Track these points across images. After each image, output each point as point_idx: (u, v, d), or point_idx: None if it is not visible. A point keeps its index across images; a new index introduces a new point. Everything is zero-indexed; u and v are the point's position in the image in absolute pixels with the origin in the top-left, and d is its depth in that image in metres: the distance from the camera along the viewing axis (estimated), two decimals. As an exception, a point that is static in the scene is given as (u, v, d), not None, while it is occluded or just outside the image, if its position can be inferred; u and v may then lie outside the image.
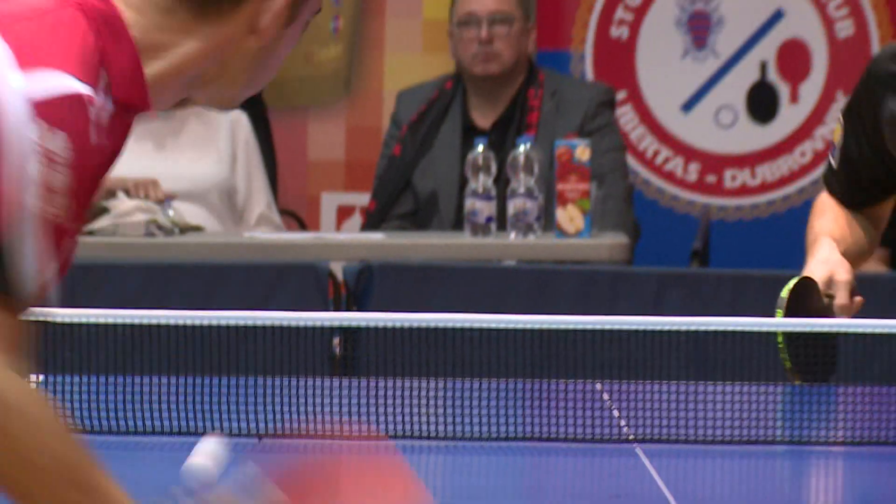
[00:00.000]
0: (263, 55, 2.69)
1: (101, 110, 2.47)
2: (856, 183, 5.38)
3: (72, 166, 2.39)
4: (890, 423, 5.44)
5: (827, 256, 5.25)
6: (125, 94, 2.51)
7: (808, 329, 5.31)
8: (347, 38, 10.82)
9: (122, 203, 8.68)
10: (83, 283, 7.29)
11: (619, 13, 10.48)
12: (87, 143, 2.45)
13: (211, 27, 2.53)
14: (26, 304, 2.38)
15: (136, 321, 5.62)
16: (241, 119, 9.04)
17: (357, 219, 9.91)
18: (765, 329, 5.44)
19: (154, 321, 5.68)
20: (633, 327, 5.97)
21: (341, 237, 9.34)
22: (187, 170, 8.97)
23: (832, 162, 5.42)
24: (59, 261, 2.51)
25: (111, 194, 8.68)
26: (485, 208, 8.10)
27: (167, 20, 2.50)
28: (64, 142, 2.40)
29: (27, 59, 2.33)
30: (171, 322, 5.71)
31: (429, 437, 5.01)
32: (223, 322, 5.58)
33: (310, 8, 2.72)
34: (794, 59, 10.50)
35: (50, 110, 2.37)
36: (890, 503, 4.89)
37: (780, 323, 5.26)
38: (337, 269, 7.78)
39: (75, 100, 2.38)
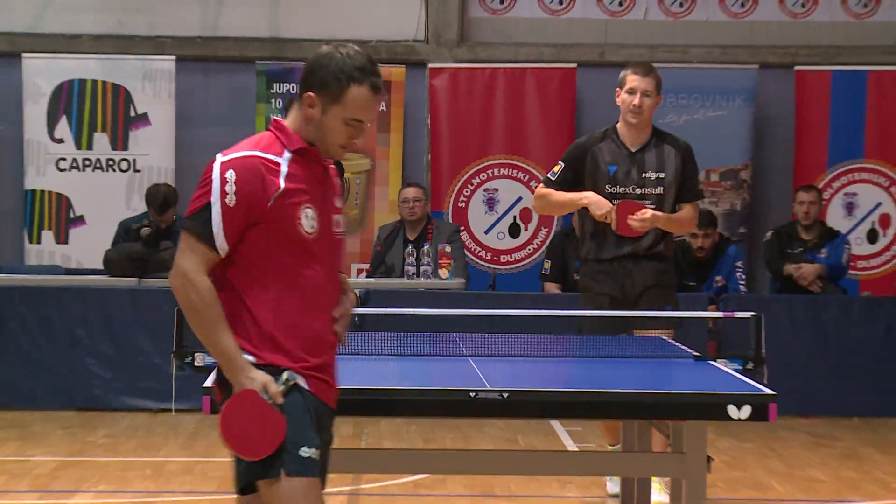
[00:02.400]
0: (319, 128, 4.86)
1: (276, 159, 4.80)
2: (563, 185, 8.70)
3: (237, 185, 4.73)
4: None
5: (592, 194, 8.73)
6: (295, 147, 4.84)
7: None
8: (362, 203, 14.41)
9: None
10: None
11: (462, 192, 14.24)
12: (247, 173, 4.75)
13: (299, 109, 4.87)
14: (215, 252, 4.78)
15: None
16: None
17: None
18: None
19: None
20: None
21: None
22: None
23: (551, 177, 8.84)
24: (229, 235, 4.79)
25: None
26: (411, 269, 12.63)
27: (294, 112, 4.91)
28: (233, 173, 4.73)
29: (231, 150, 4.79)
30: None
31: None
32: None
33: (336, 114, 4.84)
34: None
35: (229, 163, 4.76)
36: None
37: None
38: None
39: (245, 157, 4.77)
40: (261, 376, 4.75)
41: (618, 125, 8.93)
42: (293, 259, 4.83)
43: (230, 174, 4.71)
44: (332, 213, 4.94)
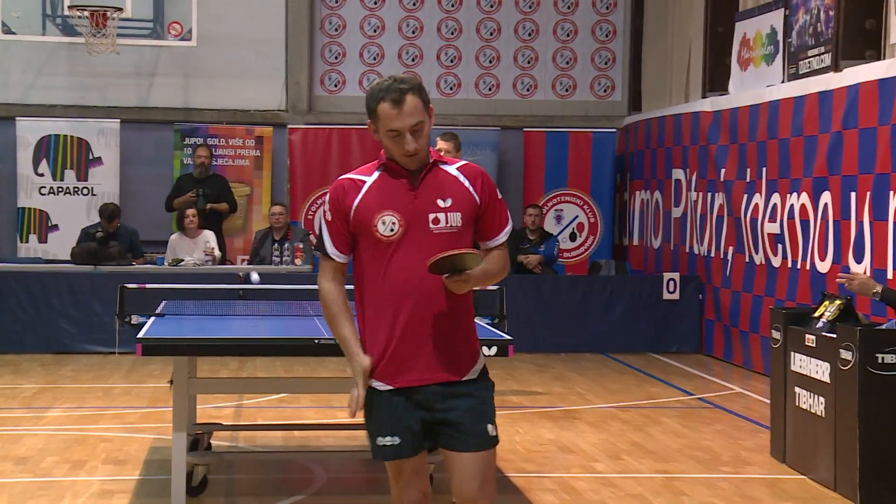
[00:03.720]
0: (384, 146, 3.98)
1: (363, 178, 3.96)
2: None
3: (330, 202, 3.94)
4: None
5: None
6: (378, 165, 4.00)
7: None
8: (244, 216, 14.19)
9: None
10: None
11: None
12: (336, 192, 3.95)
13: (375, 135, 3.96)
14: (332, 261, 3.95)
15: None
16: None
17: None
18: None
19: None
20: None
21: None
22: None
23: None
24: (338, 244, 3.94)
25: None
26: (276, 259, 13.23)
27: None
28: (329, 195, 3.96)
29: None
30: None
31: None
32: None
33: (381, 130, 3.95)
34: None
35: (331, 186, 4.02)
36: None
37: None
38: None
39: (339, 180, 3.98)
40: (358, 365, 3.91)
41: None
42: (377, 260, 3.91)
43: (328, 195, 4.02)
44: (427, 213, 3.92)
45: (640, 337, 12.45)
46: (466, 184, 3.98)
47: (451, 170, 3.98)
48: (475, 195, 3.98)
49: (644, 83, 14.88)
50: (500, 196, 4.04)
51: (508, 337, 5.93)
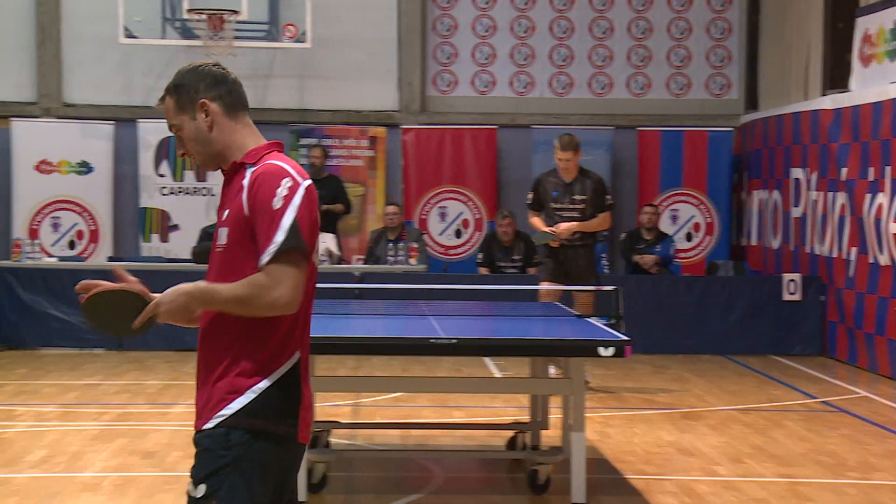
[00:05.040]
0: None
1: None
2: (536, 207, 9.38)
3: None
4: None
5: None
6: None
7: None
8: (359, 215, 14.17)
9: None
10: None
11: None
12: None
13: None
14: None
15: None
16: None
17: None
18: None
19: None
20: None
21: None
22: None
23: (528, 201, 9.50)
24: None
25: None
26: (391, 259, 12.91)
27: None
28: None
29: None
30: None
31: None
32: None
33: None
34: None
35: None
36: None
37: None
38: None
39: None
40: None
41: (558, 167, 9.50)
42: None
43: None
44: (217, 227, 3.36)
45: (760, 338, 12.23)
46: (244, 192, 3.28)
47: (248, 174, 3.30)
48: (245, 205, 3.25)
49: (761, 81, 14.64)
50: (276, 206, 3.19)
51: (626, 337, 5.91)
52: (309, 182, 3.25)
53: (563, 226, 9.22)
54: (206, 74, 3.35)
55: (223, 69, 3.41)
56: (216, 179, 14.21)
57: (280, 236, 3.17)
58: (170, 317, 3.23)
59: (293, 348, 3.21)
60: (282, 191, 3.19)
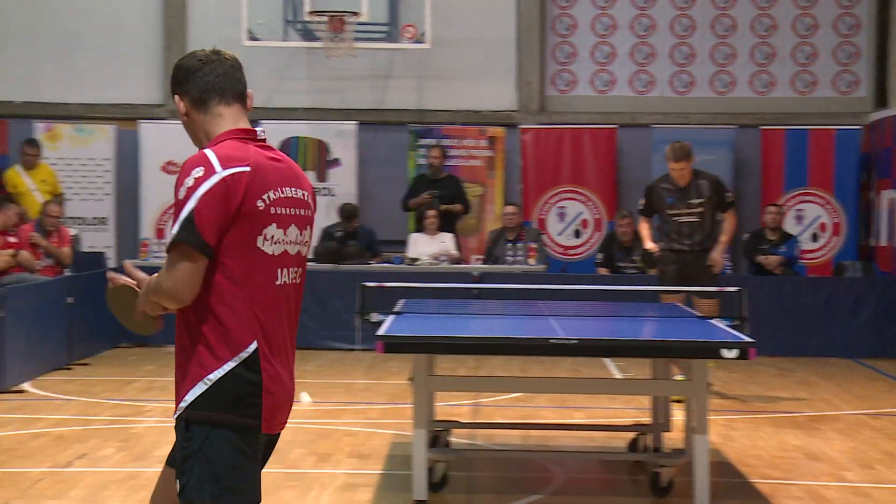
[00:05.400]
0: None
1: None
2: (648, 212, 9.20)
3: None
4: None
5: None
6: None
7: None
8: (477, 216, 14.23)
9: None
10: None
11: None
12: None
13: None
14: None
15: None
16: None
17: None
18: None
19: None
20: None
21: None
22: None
23: (640, 207, 9.36)
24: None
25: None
26: (510, 259, 12.91)
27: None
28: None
29: None
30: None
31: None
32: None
33: None
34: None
35: None
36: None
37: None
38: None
39: None
40: None
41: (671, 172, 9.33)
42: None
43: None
44: None
45: (892, 342, 11.91)
46: None
47: None
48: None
49: (891, 78, 14.30)
50: (180, 196, 3.18)
51: (750, 339, 5.78)
52: (235, 171, 3.13)
53: (716, 258, 9.19)
54: (178, 69, 3.32)
55: (199, 58, 3.32)
56: (336, 180, 14.36)
57: (175, 228, 3.15)
58: (149, 309, 3.26)
59: (249, 337, 3.16)
60: (188, 181, 3.15)
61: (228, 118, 3.28)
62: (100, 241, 14.19)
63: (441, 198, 13.33)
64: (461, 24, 14.62)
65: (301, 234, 3.25)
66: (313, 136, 14.43)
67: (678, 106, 14.79)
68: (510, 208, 13.29)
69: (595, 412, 8.90)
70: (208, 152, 3.19)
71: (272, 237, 3.16)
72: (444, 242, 12.98)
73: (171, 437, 7.48)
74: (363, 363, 11.36)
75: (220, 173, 3.13)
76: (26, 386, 9.73)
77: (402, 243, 13.27)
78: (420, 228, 13.19)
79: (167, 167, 14.20)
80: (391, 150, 14.70)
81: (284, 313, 3.22)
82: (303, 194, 3.27)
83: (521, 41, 14.79)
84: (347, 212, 13.17)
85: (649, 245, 9.13)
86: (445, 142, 14.36)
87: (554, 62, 14.93)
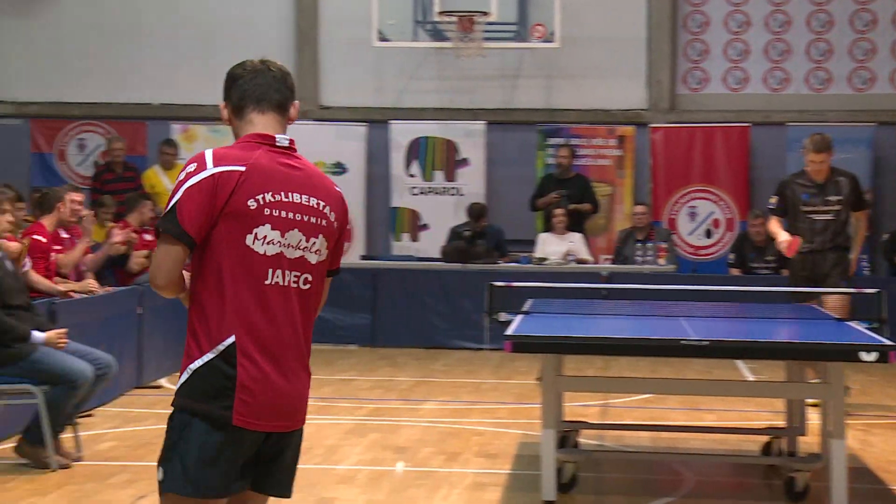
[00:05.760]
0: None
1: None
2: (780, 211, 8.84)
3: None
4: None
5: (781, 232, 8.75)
6: None
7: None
8: (606, 215, 14.19)
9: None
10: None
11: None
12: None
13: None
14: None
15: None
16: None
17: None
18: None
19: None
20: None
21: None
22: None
23: (772, 205, 8.99)
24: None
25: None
26: (639, 259, 12.76)
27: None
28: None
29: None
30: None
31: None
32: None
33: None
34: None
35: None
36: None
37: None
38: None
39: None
40: None
41: (806, 168, 8.97)
42: None
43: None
44: None
45: None
46: None
47: None
48: None
49: None
50: (173, 189, 3.31)
51: (890, 342, 5.63)
52: (226, 169, 3.22)
53: (853, 259, 9.03)
54: (226, 77, 3.43)
55: (245, 67, 3.43)
56: (464, 179, 14.42)
57: (161, 218, 3.30)
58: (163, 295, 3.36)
59: (228, 330, 3.22)
60: (181, 175, 3.27)
61: (258, 125, 3.36)
62: (233, 240, 14.41)
63: (569, 197, 13.30)
64: (590, 23, 14.53)
65: (309, 241, 3.29)
66: (442, 136, 14.50)
67: (814, 103, 14.47)
68: (640, 208, 13.22)
69: (727, 415, 8.77)
70: (207, 151, 3.31)
71: (265, 237, 3.23)
72: (573, 242, 12.96)
73: (304, 435, 7.57)
74: (491, 362, 11.38)
75: (210, 170, 3.23)
76: (163, 381, 9.94)
77: (530, 243, 13.28)
78: (548, 228, 13.20)
79: (298, 167, 14.39)
80: (519, 150, 14.69)
81: (280, 314, 3.26)
82: (316, 202, 3.31)
83: (651, 39, 14.64)
84: (476, 211, 13.23)
85: (784, 237, 8.82)
86: (574, 141, 14.30)
87: (685, 60, 14.74)
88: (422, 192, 14.49)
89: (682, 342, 5.76)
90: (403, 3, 14.29)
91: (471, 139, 14.49)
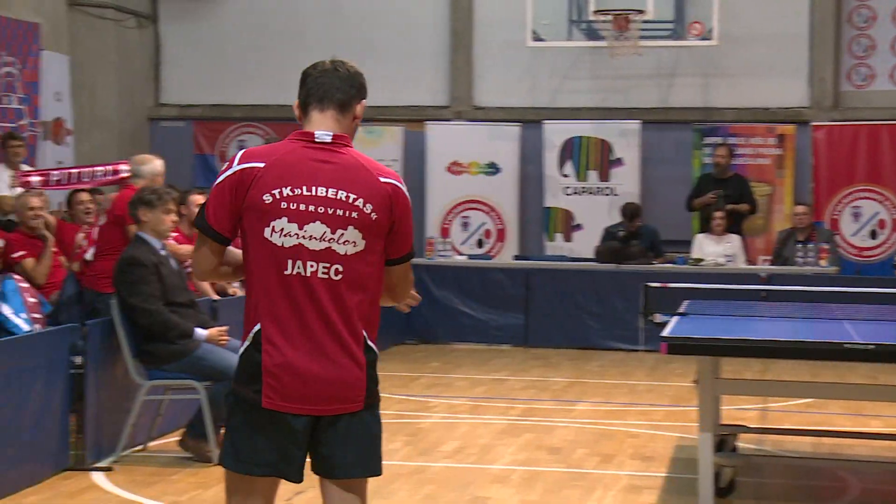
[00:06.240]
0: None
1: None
2: None
3: None
4: None
5: None
6: None
7: None
8: (765, 215, 13.81)
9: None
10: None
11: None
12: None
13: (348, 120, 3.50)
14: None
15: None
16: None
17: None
18: None
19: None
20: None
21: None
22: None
23: None
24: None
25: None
26: (800, 260, 12.64)
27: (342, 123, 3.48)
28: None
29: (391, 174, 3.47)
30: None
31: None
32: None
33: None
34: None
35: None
36: None
37: None
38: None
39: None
40: None
41: None
42: None
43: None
44: None
45: None
46: None
47: None
48: None
49: None
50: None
51: None
52: (248, 166, 3.38)
53: None
54: (300, 77, 3.57)
55: (316, 67, 3.56)
56: (618, 179, 14.32)
57: (196, 215, 3.54)
58: None
59: (256, 319, 3.41)
60: (219, 174, 3.50)
61: (314, 123, 3.48)
62: (388, 239, 14.59)
63: (727, 197, 13.08)
64: (750, 20, 14.29)
65: (335, 233, 3.36)
66: (596, 135, 14.41)
67: None
68: (801, 208, 12.93)
69: (894, 421, 8.48)
70: (241, 151, 3.50)
71: (282, 230, 3.36)
72: (731, 244, 12.73)
73: (457, 434, 7.74)
74: (646, 364, 11.30)
75: (235, 168, 3.42)
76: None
77: (686, 243, 13.10)
78: (705, 229, 13.01)
79: (452, 167, 14.53)
80: (675, 149, 14.52)
81: (303, 303, 3.37)
82: (345, 195, 3.38)
83: (814, 35, 14.29)
84: (630, 211, 13.13)
85: None
86: (732, 140, 14.06)
87: (850, 56, 14.36)
88: (575, 192, 14.43)
89: (846, 345, 5.59)
90: (558, 3, 14.25)
91: (625, 139, 14.37)
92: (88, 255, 8.45)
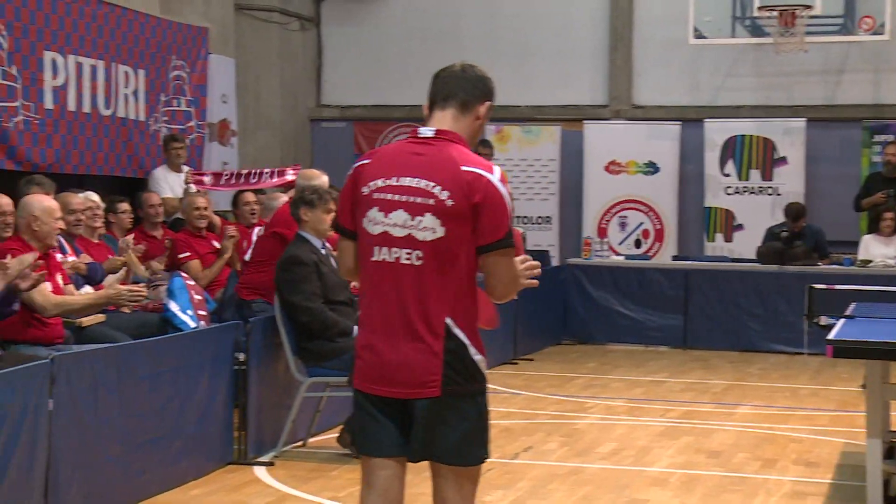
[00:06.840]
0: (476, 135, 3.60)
1: None
2: None
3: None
4: None
5: None
6: None
7: None
8: None
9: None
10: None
11: None
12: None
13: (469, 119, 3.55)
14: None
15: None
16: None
17: None
18: None
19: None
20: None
21: None
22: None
23: None
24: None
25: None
26: None
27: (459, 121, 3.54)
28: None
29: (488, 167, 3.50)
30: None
31: None
32: None
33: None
34: None
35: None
36: None
37: None
38: None
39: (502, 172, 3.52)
40: None
41: None
42: None
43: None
44: None
45: None
46: None
47: None
48: None
49: None
50: None
51: None
52: (359, 164, 3.58)
53: None
54: (431, 79, 3.66)
55: (446, 69, 3.65)
56: (782, 178, 14.04)
57: None
58: None
59: (362, 306, 3.61)
60: None
61: (434, 120, 3.59)
62: (544, 239, 14.61)
63: (896, 197, 12.66)
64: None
65: (414, 220, 3.44)
66: (759, 133, 14.15)
67: None
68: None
69: None
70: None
71: (373, 219, 3.51)
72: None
73: (614, 435, 7.65)
74: (810, 367, 11.03)
75: (353, 167, 3.64)
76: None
77: (853, 244, 12.72)
78: (873, 230, 12.59)
79: (610, 167, 14.45)
80: (842, 148, 14.17)
81: (387, 288, 3.49)
82: (426, 184, 3.44)
83: None
84: (794, 211, 12.79)
85: None
86: (903, 138, 13.60)
87: None
88: (737, 192, 14.19)
89: None
90: (721, 0, 14.03)
91: (789, 137, 14.06)
92: (247, 256, 8.62)
